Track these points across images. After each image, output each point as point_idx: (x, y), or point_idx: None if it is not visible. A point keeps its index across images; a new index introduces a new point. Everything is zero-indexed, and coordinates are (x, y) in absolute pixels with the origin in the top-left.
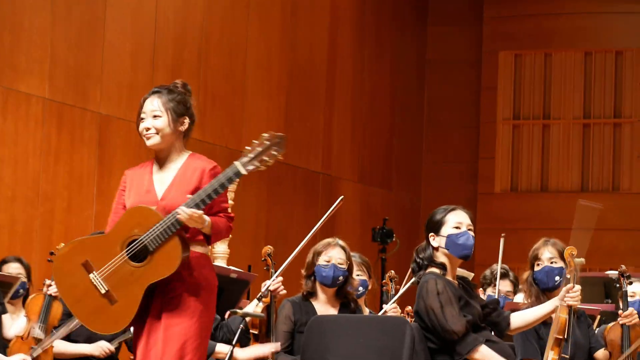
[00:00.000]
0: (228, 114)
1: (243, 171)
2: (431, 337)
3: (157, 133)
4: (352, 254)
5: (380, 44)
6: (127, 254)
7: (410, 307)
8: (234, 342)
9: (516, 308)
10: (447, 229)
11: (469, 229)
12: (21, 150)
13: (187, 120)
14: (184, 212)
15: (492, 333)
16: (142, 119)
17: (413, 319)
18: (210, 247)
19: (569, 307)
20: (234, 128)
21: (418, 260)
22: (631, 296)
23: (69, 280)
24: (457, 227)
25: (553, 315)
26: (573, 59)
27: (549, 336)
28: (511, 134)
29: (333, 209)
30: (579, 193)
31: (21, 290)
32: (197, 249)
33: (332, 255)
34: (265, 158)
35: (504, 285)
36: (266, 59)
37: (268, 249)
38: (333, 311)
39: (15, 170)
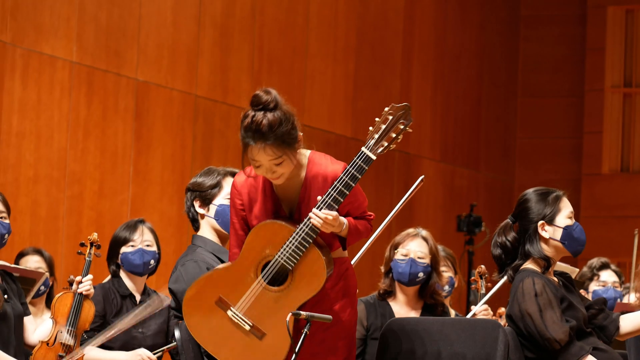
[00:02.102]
0: (286, 79)
1: (373, 157)
2: (528, 345)
3: (284, 173)
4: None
5: None
6: (265, 279)
7: (503, 309)
8: (297, 350)
9: (628, 309)
10: (562, 219)
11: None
12: (45, 123)
13: (301, 136)
14: (317, 217)
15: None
16: (258, 166)
17: (506, 323)
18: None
19: None
20: (294, 94)
21: (508, 244)
22: None
23: (206, 326)
24: (570, 217)
25: None
26: None
27: None
28: (622, 104)
29: (412, 192)
30: None
31: (42, 288)
32: (336, 253)
33: (411, 248)
34: (393, 134)
35: (609, 276)
36: (332, 14)
37: None
38: (414, 314)
39: (38, 146)
